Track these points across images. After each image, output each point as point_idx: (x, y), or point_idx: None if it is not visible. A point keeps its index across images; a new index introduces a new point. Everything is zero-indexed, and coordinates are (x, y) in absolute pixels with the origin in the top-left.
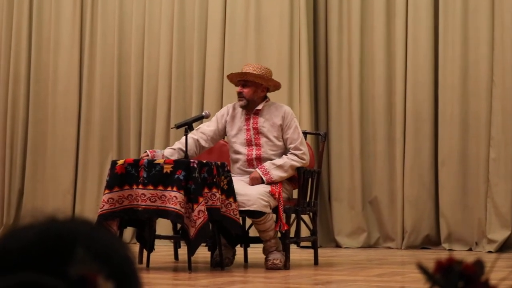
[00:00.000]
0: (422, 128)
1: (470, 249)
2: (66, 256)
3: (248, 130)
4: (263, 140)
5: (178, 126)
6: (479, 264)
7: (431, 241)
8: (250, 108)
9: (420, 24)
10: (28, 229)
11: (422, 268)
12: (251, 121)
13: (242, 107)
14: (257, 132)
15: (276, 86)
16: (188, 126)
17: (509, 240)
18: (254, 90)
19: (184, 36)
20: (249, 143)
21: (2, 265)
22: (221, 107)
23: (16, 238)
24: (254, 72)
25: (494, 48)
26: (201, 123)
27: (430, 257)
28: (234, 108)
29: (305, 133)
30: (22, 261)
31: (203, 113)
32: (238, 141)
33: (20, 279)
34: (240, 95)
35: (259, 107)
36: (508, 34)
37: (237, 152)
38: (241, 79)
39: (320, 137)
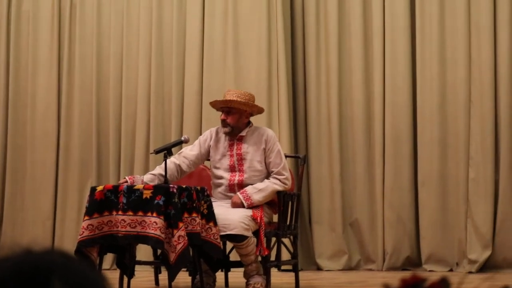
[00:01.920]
0: (401, 149)
1: (451, 270)
2: None
3: (231, 156)
4: (246, 166)
5: (157, 152)
6: (444, 282)
7: (412, 263)
8: (234, 134)
9: (397, 46)
10: (4, 261)
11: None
12: (235, 147)
13: (227, 133)
14: (241, 158)
15: (260, 111)
16: (167, 151)
17: (490, 260)
18: (239, 117)
19: (162, 61)
20: (232, 169)
21: None
22: (200, 132)
23: None
24: (239, 99)
25: (471, 68)
26: (181, 147)
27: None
28: (217, 133)
29: (285, 156)
30: None
31: (182, 138)
32: (221, 167)
33: None
34: (224, 122)
35: (243, 133)
36: (485, 54)
37: (220, 177)
38: (224, 106)
39: (299, 160)
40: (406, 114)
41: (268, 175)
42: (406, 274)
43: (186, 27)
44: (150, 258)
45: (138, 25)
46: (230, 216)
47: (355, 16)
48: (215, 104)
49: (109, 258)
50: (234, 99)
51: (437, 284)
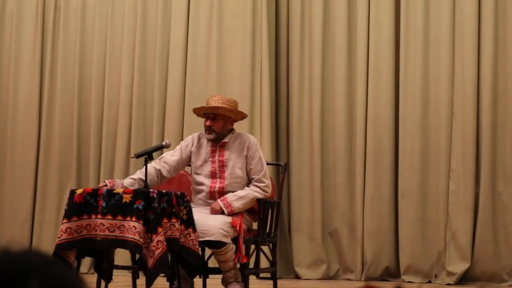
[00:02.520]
0: (382, 160)
1: (430, 281)
2: None
3: (213, 162)
4: (227, 173)
5: (138, 156)
6: None
7: (391, 273)
8: (217, 141)
9: (381, 57)
10: None
11: None
12: (217, 153)
13: (211, 140)
14: (222, 165)
15: (243, 117)
16: (148, 155)
17: (468, 273)
18: (224, 123)
19: (146, 65)
20: (213, 175)
21: None
22: (182, 137)
23: None
24: (225, 106)
25: (454, 80)
26: (162, 152)
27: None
28: (199, 139)
29: (266, 164)
30: None
31: (163, 143)
32: (202, 173)
33: None
34: (209, 128)
35: (226, 139)
36: (468, 66)
37: (200, 184)
38: (210, 112)
39: (280, 168)
40: (388, 125)
41: (248, 182)
42: (361, 284)
43: (171, 32)
44: (128, 262)
45: (122, 28)
46: (209, 222)
47: (339, 26)
48: (199, 110)
49: (87, 262)
50: (220, 105)
51: None
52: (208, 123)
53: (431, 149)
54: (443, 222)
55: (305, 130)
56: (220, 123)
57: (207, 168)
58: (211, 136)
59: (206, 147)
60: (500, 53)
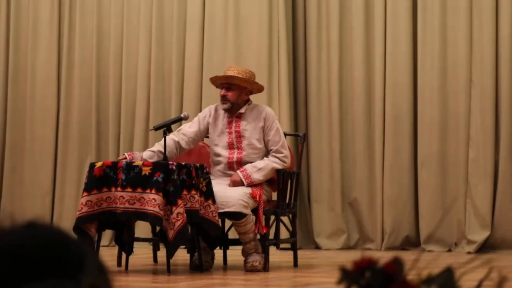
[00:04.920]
0: (401, 129)
1: (450, 250)
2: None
3: (230, 133)
4: (244, 143)
5: (156, 128)
6: (397, 262)
7: (411, 242)
8: (233, 111)
9: (398, 24)
10: (11, 233)
11: (345, 271)
12: (234, 124)
13: (226, 110)
14: (239, 135)
15: (259, 89)
16: (166, 128)
17: (488, 241)
18: (239, 93)
19: (163, 37)
20: (230, 146)
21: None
22: (200, 109)
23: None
24: (240, 76)
25: (472, 48)
26: (180, 125)
27: (410, 258)
28: (216, 110)
29: (284, 135)
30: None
31: (182, 115)
32: (220, 144)
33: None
34: (224, 98)
35: (242, 110)
36: (486, 33)
37: (218, 155)
38: (225, 82)
39: (299, 138)
40: (407, 93)
41: (267, 153)
42: (360, 255)
43: (187, 2)
44: (149, 235)
45: (139, 0)
46: (229, 194)
47: None
48: (215, 80)
49: (107, 235)
50: (235, 75)
51: (390, 264)
52: (223, 92)
53: (450, 116)
54: (463, 190)
55: (324, 100)
56: (235, 93)
57: (225, 139)
58: (225, 106)
59: (222, 118)
60: None
